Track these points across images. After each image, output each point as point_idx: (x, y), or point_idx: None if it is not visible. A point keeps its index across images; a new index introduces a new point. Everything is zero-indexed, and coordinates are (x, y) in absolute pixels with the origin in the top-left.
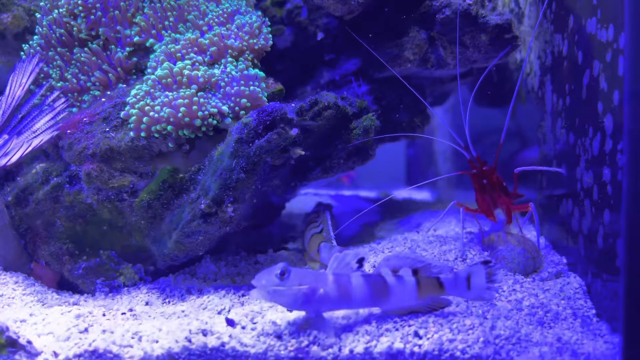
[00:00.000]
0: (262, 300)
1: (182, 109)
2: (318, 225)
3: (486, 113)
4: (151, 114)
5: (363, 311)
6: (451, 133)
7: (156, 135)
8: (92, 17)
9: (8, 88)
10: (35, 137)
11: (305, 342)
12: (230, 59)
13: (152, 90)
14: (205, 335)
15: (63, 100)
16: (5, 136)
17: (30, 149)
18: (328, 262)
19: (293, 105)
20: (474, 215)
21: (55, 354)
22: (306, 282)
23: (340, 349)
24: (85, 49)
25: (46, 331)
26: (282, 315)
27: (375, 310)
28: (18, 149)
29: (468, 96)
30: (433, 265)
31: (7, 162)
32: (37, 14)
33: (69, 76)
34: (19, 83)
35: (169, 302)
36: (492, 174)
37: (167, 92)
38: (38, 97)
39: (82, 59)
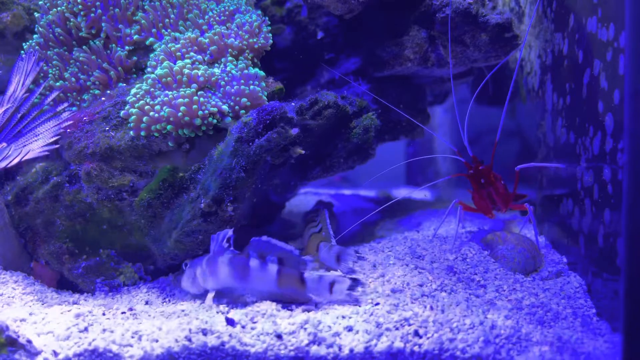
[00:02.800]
0: (184, 290)
1: (182, 108)
2: (317, 225)
3: (486, 112)
4: (151, 113)
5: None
6: (448, 138)
7: (156, 134)
8: (92, 15)
9: (9, 88)
10: (36, 141)
11: (305, 342)
12: (230, 58)
13: (152, 89)
14: (205, 334)
15: (66, 104)
16: (4, 144)
17: (30, 156)
18: (327, 262)
19: (293, 104)
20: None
21: (55, 353)
22: (192, 266)
23: (340, 348)
24: (85, 47)
25: (46, 330)
26: (282, 315)
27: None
28: (18, 153)
29: (467, 95)
30: (300, 259)
31: (7, 165)
32: (36, 13)
33: (68, 75)
34: (19, 82)
35: (169, 301)
36: (489, 173)
37: (167, 91)
38: (37, 95)
39: (81, 57)
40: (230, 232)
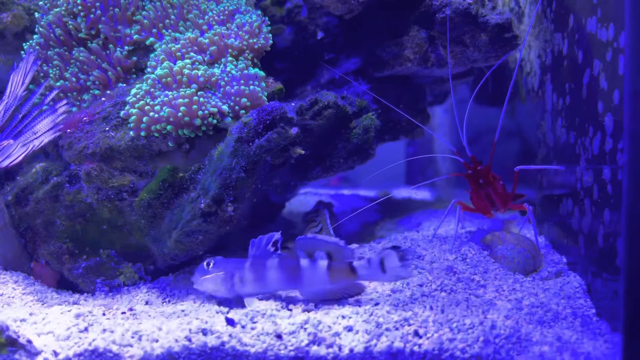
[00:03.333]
0: (202, 290)
1: (182, 108)
2: (317, 225)
3: (485, 112)
4: (151, 113)
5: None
6: (448, 138)
7: (156, 134)
8: (92, 16)
9: (9, 87)
10: (36, 137)
11: (305, 342)
12: (230, 58)
13: (152, 89)
14: (205, 334)
15: (65, 102)
16: (11, 141)
17: (30, 151)
18: None
19: (293, 104)
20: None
21: (55, 353)
22: (225, 268)
23: (340, 349)
24: (84, 47)
25: (46, 330)
26: (282, 315)
27: (294, 293)
28: (19, 151)
29: (467, 96)
30: (347, 249)
31: (9, 164)
32: (36, 13)
33: (69, 75)
34: (19, 82)
35: (169, 301)
36: (488, 173)
37: (167, 92)
38: (37, 96)
39: (81, 57)
40: (277, 235)
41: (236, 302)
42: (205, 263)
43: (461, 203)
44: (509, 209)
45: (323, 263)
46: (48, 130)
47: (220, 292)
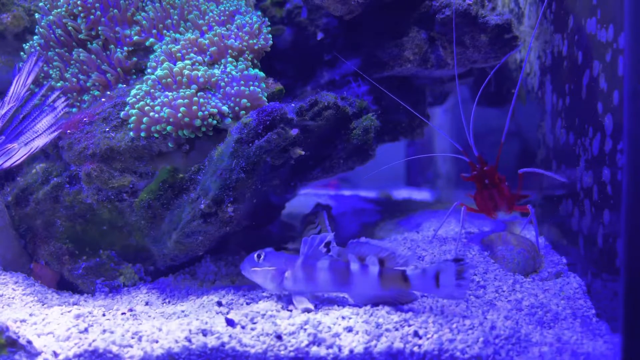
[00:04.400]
0: (250, 279)
1: (182, 109)
2: (316, 227)
3: (485, 113)
4: (151, 114)
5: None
6: (452, 138)
7: (156, 135)
8: (92, 17)
9: (11, 89)
10: (37, 137)
11: (305, 342)
12: (230, 59)
13: (152, 90)
14: (205, 335)
15: (63, 99)
16: (15, 145)
17: (31, 151)
18: None
19: (293, 105)
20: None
21: (55, 354)
22: (276, 264)
23: (340, 349)
24: (83, 48)
25: (46, 331)
26: (282, 315)
27: (344, 295)
28: (20, 152)
29: (467, 96)
30: (399, 256)
31: (11, 164)
32: (36, 14)
33: (69, 76)
34: (21, 83)
35: (168, 302)
36: (494, 174)
37: (167, 92)
38: (39, 97)
39: (81, 58)
40: (330, 236)
41: (284, 298)
42: (256, 255)
43: (464, 205)
44: (512, 210)
45: (374, 269)
46: (48, 129)
47: (269, 287)
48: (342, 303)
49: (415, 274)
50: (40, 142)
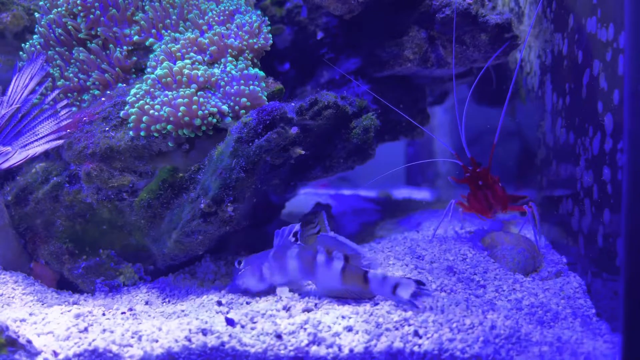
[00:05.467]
0: (240, 289)
1: (181, 108)
2: (315, 226)
3: (486, 112)
4: (151, 112)
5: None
6: (448, 138)
7: (156, 134)
8: (92, 16)
9: (8, 88)
10: (37, 139)
11: (305, 342)
12: (230, 59)
13: (151, 89)
14: (205, 334)
15: (65, 102)
16: (9, 148)
17: (32, 155)
18: None
19: (293, 104)
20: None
21: (55, 354)
22: (253, 262)
23: (340, 348)
24: (83, 48)
25: (46, 330)
26: (282, 315)
27: (312, 286)
28: (19, 153)
29: (466, 96)
30: (364, 257)
31: (9, 166)
32: (36, 13)
33: (70, 75)
34: (22, 85)
35: (168, 301)
36: (487, 175)
37: (166, 92)
38: (38, 96)
39: (81, 58)
40: (297, 226)
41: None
42: (236, 262)
43: (461, 203)
44: (509, 210)
45: (338, 264)
46: (50, 134)
47: (252, 284)
48: (342, 302)
49: (376, 278)
50: (40, 149)
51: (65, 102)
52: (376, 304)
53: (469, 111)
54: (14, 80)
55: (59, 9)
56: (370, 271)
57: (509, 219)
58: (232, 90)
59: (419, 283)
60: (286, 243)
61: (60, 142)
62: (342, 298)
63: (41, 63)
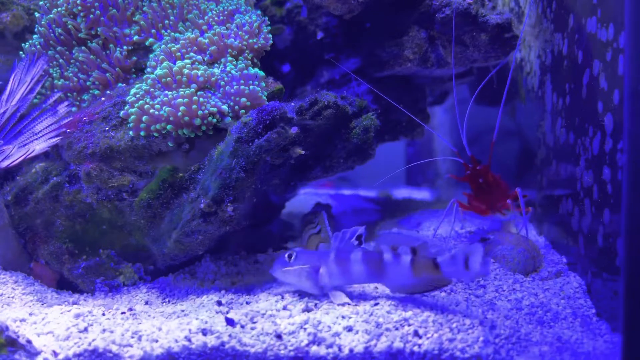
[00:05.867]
0: (282, 280)
1: (181, 108)
2: (315, 226)
3: (486, 112)
4: (151, 111)
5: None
6: (448, 138)
7: (156, 134)
8: (91, 16)
9: (9, 89)
10: (36, 139)
11: (305, 342)
12: (230, 58)
13: (151, 89)
14: (205, 334)
15: (66, 104)
16: (10, 146)
17: (31, 154)
18: None
19: (293, 104)
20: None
21: (55, 354)
22: (309, 262)
23: (340, 349)
24: (84, 47)
25: (46, 330)
26: (282, 315)
27: (381, 287)
28: (18, 152)
29: (467, 96)
30: (431, 245)
31: (8, 165)
32: (36, 13)
33: (70, 75)
34: (22, 85)
35: (168, 301)
36: (487, 173)
37: (166, 91)
38: (37, 95)
39: (81, 57)
40: (361, 229)
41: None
42: (287, 255)
43: (460, 203)
44: (507, 209)
45: (406, 258)
46: (50, 132)
47: (305, 285)
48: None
49: (445, 260)
50: (40, 147)
51: (66, 103)
52: (376, 304)
53: (464, 112)
54: (11, 80)
55: (59, 9)
56: (438, 256)
57: (507, 219)
58: (232, 90)
59: (484, 240)
60: (348, 246)
61: (59, 139)
62: (416, 293)
63: (41, 63)
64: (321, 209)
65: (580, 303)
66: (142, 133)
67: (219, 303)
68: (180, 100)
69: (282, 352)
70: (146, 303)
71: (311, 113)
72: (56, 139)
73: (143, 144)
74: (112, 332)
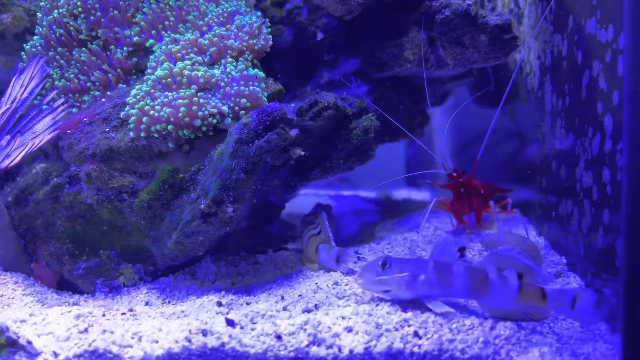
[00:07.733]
0: (368, 291)
1: (182, 109)
2: (316, 227)
3: (486, 113)
4: (151, 112)
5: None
6: (447, 138)
7: (156, 135)
8: (92, 17)
9: (9, 90)
10: (35, 137)
11: (305, 342)
12: (230, 59)
13: (152, 90)
14: (205, 335)
15: (62, 99)
16: (7, 137)
17: (30, 149)
18: (327, 263)
19: (293, 105)
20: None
21: (55, 354)
22: (407, 269)
23: (340, 349)
24: (84, 49)
25: (46, 331)
26: (282, 316)
27: (474, 304)
28: (19, 151)
29: (467, 97)
30: (538, 273)
31: (9, 164)
32: (37, 14)
33: (71, 76)
34: (22, 86)
35: (168, 302)
36: (470, 183)
37: (167, 92)
38: (36, 95)
39: (81, 59)
40: (464, 241)
41: (414, 303)
42: (380, 263)
43: (443, 202)
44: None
45: (514, 281)
46: (47, 129)
47: (402, 294)
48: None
49: (555, 293)
50: (38, 141)
51: (62, 99)
52: (376, 305)
53: (468, 113)
54: (13, 81)
55: (60, 10)
56: (547, 286)
57: (507, 218)
58: (232, 91)
59: (598, 292)
60: (449, 258)
61: (56, 132)
62: (509, 319)
63: (41, 64)
64: (321, 209)
65: None
66: (142, 134)
67: (219, 304)
68: (180, 101)
69: (282, 352)
70: (146, 304)
71: (311, 114)
72: (54, 133)
73: (143, 145)
74: (112, 332)
